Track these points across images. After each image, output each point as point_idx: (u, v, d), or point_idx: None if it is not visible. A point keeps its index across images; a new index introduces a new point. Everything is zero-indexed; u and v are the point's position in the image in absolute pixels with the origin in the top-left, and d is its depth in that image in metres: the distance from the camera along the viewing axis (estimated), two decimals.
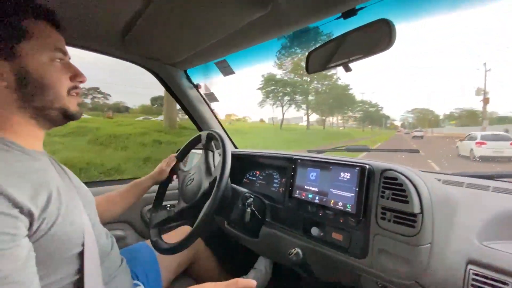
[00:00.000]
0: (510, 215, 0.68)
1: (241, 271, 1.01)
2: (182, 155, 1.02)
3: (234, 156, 1.29)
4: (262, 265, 1.02)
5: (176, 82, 1.23)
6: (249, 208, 0.89)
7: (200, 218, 0.72)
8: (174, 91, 1.26)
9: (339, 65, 0.71)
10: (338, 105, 38.69)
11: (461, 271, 0.59)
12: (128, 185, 0.94)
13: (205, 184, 0.82)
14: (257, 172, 1.23)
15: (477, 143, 7.63)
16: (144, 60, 1.12)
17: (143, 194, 0.95)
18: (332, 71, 29.01)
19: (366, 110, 47.55)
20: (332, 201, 0.79)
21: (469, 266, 0.59)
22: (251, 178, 1.24)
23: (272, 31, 0.81)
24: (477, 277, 0.56)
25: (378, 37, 0.60)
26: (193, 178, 0.88)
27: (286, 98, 29.59)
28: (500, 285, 0.53)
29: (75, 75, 0.57)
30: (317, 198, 0.83)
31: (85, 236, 0.55)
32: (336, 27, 0.71)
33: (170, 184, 1.03)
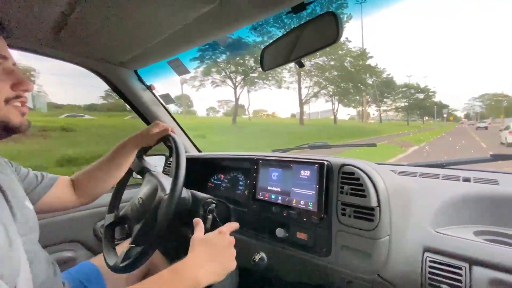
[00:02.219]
0: (458, 201, 0.72)
1: None
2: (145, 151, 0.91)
3: (196, 160, 1.22)
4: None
5: (125, 83, 1.12)
6: (210, 215, 0.84)
7: (155, 231, 0.66)
8: (124, 93, 1.15)
9: (292, 61, 0.69)
10: (355, 88, 25.59)
11: (419, 259, 0.60)
12: (109, 154, 0.77)
13: (160, 195, 0.75)
14: (222, 176, 1.18)
15: (510, 132, 8.98)
16: (85, 60, 1.00)
17: (127, 165, 0.80)
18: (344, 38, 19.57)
19: (411, 97, 32.98)
20: (295, 200, 0.77)
21: (426, 254, 0.60)
22: (216, 182, 1.19)
23: (223, 27, 0.77)
24: (433, 264, 0.58)
25: (326, 30, 0.59)
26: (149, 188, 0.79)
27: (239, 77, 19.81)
28: (455, 270, 0.55)
29: (18, 83, 0.51)
30: (280, 198, 0.81)
31: (20, 276, 0.45)
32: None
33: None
